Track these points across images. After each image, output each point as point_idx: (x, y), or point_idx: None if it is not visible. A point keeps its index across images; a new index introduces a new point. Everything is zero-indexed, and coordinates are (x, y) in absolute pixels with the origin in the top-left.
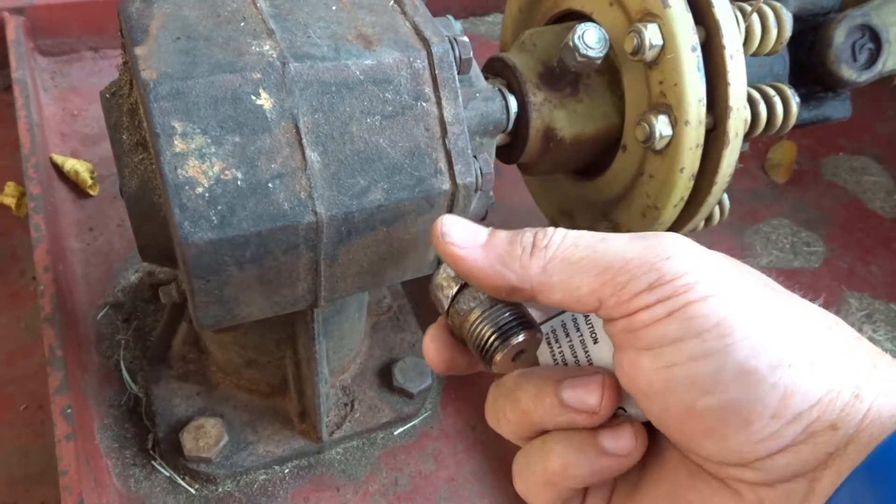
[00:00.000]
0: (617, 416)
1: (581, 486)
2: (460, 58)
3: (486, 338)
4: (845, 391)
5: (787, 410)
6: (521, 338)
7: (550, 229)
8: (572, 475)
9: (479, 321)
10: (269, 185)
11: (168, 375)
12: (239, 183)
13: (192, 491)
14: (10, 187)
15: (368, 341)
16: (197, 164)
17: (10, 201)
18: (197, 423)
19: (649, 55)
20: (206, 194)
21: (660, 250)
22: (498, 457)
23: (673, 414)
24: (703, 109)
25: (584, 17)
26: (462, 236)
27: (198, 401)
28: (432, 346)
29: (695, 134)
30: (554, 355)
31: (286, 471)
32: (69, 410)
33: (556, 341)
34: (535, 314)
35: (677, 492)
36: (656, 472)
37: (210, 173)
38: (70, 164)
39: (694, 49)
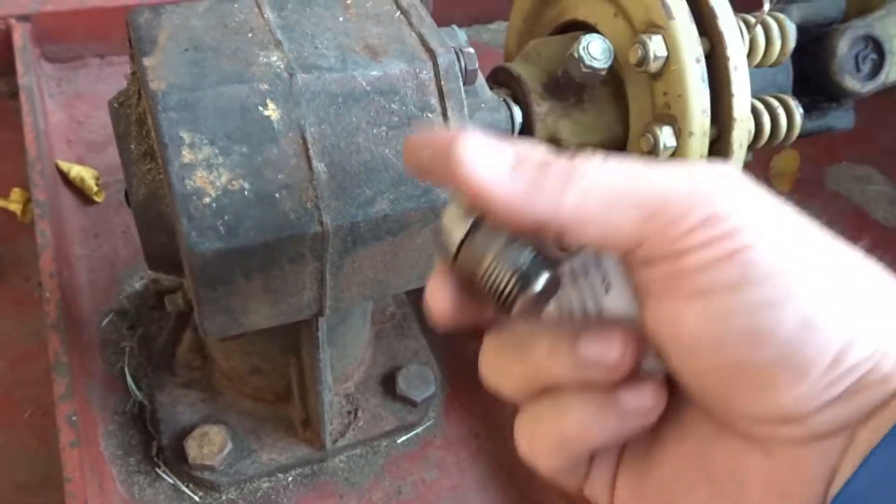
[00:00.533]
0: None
1: (598, 447)
2: (466, 69)
3: (505, 282)
4: (890, 343)
5: (846, 359)
6: (544, 279)
7: (582, 156)
8: (590, 436)
9: (496, 263)
10: (276, 195)
11: (172, 382)
12: (246, 193)
13: (196, 498)
14: (16, 193)
15: (372, 349)
16: (204, 175)
17: (15, 207)
18: (201, 430)
19: (653, 66)
20: (214, 204)
21: (713, 182)
22: (501, 465)
23: (719, 370)
24: (708, 120)
25: (588, 28)
26: (487, 162)
27: (202, 408)
28: (438, 294)
29: (699, 145)
30: (560, 303)
31: (290, 479)
32: (74, 417)
33: (565, 287)
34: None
35: (703, 452)
36: (675, 431)
37: (217, 183)
38: (76, 170)
39: (698, 60)
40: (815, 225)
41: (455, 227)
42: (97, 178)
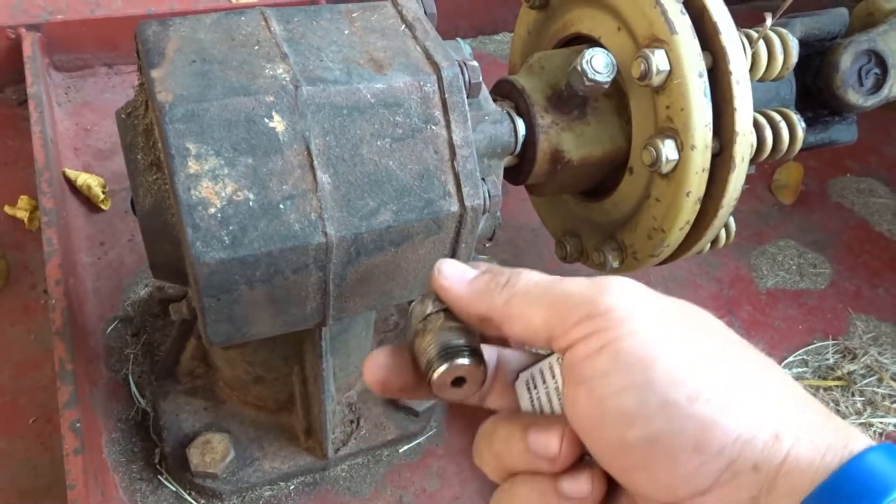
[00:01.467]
0: (584, 461)
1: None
2: (470, 82)
3: (431, 354)
4: (765, 430)
5: (708, 444)
6: (461, 361)
7: (522, 271)
8: None
9: (432, 338)
10: (281, 206)
11: (176, 390)
12: (251, 204)
13: None
14: (23, 201)
15: None
16: (210, 185)
17: (22, 214)
18: (204, 438)
19: (656, 80)
20: (219, 214)
21: (600, 287)
22: None
23: (608, 448)
24: (710, 134)
25: (591, 42)
26: (454, 271)
27: (205, 416)
28: (371, 362)
29: (701, 158)
30: (532, 400)
31: (291, 487)
32: (78, 425)
33: (535, 387)
34: (522, 360)
35: None
36: None
37: (223, 194)
38: (83, 178)
39: (701, 75)
40: (704, 323)
41: (430, 306)
42: (104, 186)
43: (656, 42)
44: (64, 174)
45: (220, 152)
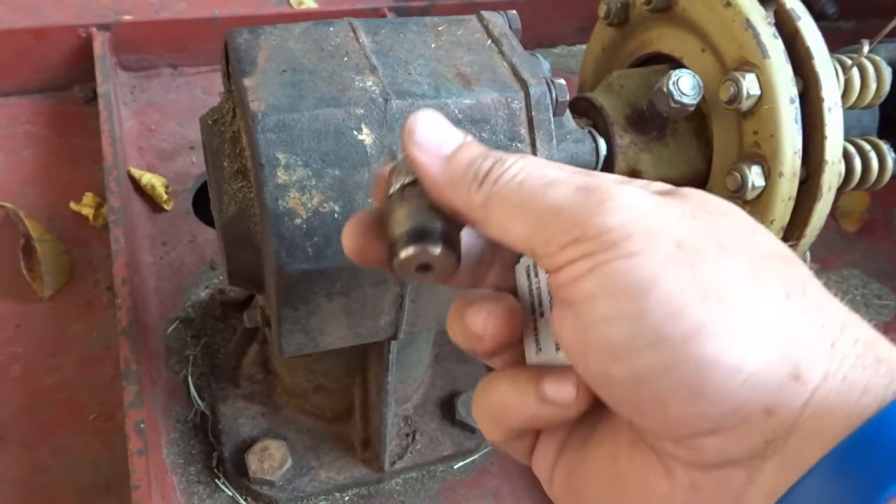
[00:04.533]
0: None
1: (521, 427)
2: (557, 100)
3: (396, 233)
4: (780, 369)
5: (706, 389)
6: (428, 248)
7: (511, 159)
8: (511, 417)
9: (405, 215)
10: None
11: (235, 394)
12: (336, 216)
13: None
14: (88, 198)
15: (431, 371)
16: (297, 196)
17: (87, 211)
18: (262, 444)
19: (745, 105)
20: (304, 226)
21: (596, 202)
22: None
23: (594, 381)
24: (799, 162)
25: (671, 61)
26: (429, 139)
27: (262, 422)
28: (350, 227)
29: (788, 186)
30: (530, 288)
31: (346, 498)
32: (142, 425)
33: (535, 275)
34: None
35: (616, 458)
36: (604, 430)
37: (309, 205)
38: (147, 178)
39: (792, 101)
40: (719, 230)
41: (405, 172)
42: (167, 187)
43: (746, 65)
44: (128, 173)
45: (308, 163)
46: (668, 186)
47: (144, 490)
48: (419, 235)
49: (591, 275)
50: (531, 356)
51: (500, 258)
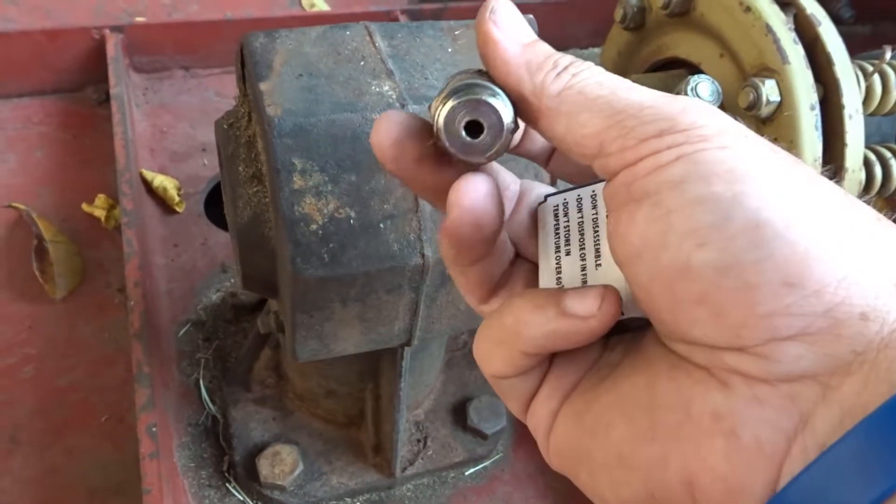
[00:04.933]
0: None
1: (535, 350)
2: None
3: (445, 92)
4: (880, 276)
5: (804, 279)
6: (486, 97)
7: (587, 63)
8: (524, 335)
9: (455, 81)
10: (381, 225)
11: (246, 398)
12: (352, 222)
13: None
14: (100, 199)
15: (442, 377)
16: (313, 202)
17: (100, 213)
18: (273, 449)
19: (765, 111)
20: (320, 231)
21: (681, 104)
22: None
23: (664, 277)
24: (819, 169)
25: (688, 66)
26: (509, 24)
27: (273, 426)
28: (388, 116)
29: None
30: (558, 227)
31: None
32: (154, 429)
33: (566, 214)
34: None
35: (651, 385)
36: (633, 363)
37: (325, 211)
38: (159, 180)
39: (812, 108)
40: (804, 167)
41: (465, 74)
42: (179, 189)
43: (766, 71)
44: (140, 175)
45: (324, 168)
46: None
47: (156, 494)
48: (471, 86)
49: (679, 162)
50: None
51: (521, 204)
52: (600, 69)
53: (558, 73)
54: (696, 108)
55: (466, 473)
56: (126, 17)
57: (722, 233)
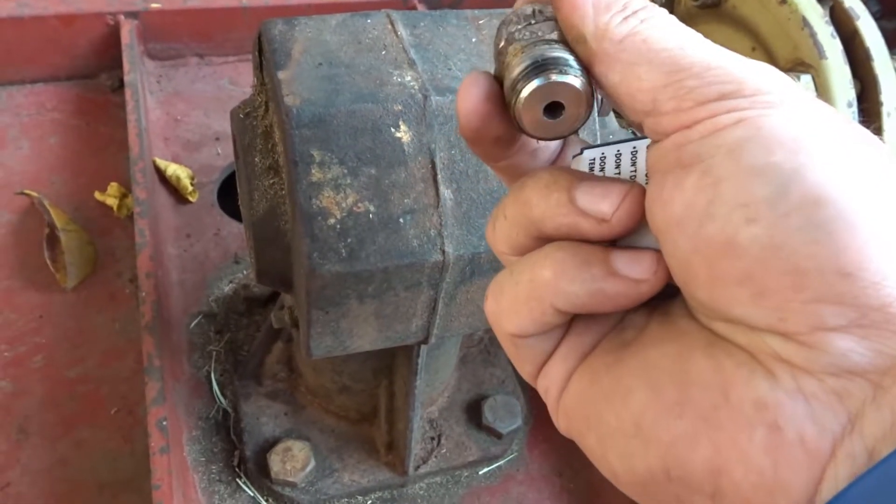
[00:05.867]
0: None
1: (571, 308)
2: (602, 99)
3: (525, 64)
4: None
5: (861, 268)
6: (562, 78)
7: (663, 10)
8: (564, 290)
9: (525, 50)
10: (401, 220)
11: (258, 392)
12: (371, 216)
13: None
14: (113, 188)
15: (457, 374)
16: (331, 195)
17: (112, 202)
18: (285, 445)
19: None
20: (338, 226)
21: (751, 68)
22: None
23: (707, 250)
24: None
25: None
26: None
27: (285, 421)
28: (468, 86)
29: None
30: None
31: (369, 502)
32: (165, 423)
33: (602, 169)
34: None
35: (684, 358)
36: (662, 331)
37: (343, 205)
38: (172, 168)
39: (850, 104)
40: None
41: (519, 18)
42: (192, 178)
43: (802, 66)
44: (153, 163)
45: (343, 161)
46: None
47: (165, 490)
48: (551, 62)
49: (739, 126)
50: None
51: (561, 158)
52: (674, 19)
53: (626, 17)
54: (766, 72)
55: (480, 473)
56: (141, 2)
57: (776, 208)
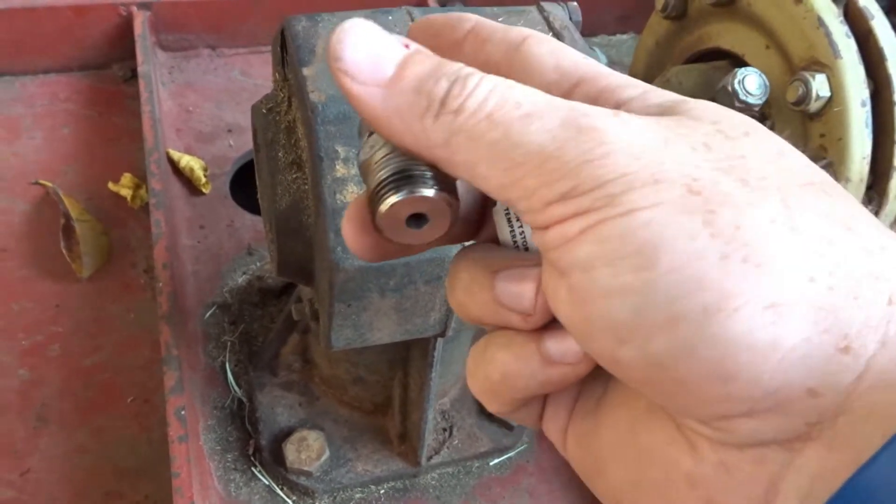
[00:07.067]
0: None
1: (531, 395)
2: None
3: (381, 178)
4: (824, 343)
5: (736, 372)
6: (423, 191)
7: (473, 78)
8: (516, 386)
9: (385, 159)
10: None
11: (272, 383)
12: None
13: (290, 503)
14: (127, 178)
15: None
16: (356, 191)
17: (126, 192)
18: (300, 434)
19: (814, 106)
20: None
21: (589, 146)
22: (595, 500)
23: (601, 360)
24: (867, 167)
25: (731, 58)
26: (361, 62)
27: (299, 411)
28: (349, 226)
29: (854, 192)
30: (513, 234)
31: (381, 491)
32: (183, 412)
33: (518, 219)
34: None
35: (634, 427)
36: (617, 391)
37: None
38: (185, 160)
39: (864, 104)
40: (762, 165)
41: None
42: (205, 169)
43: (816, 65)
44: (167, 155)
45: None
46: (672, 97)
47: (184, 477)
48: (406, 178)
49: (584, 238)
50: None
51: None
52: (488, 84)
53: (436, 116)
54: (614, 147)
55: (491, 463)
56: None
57: (639, 330)
